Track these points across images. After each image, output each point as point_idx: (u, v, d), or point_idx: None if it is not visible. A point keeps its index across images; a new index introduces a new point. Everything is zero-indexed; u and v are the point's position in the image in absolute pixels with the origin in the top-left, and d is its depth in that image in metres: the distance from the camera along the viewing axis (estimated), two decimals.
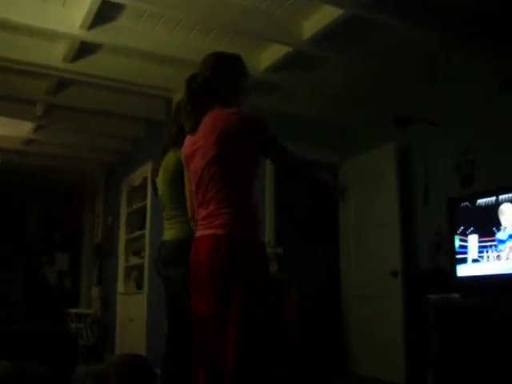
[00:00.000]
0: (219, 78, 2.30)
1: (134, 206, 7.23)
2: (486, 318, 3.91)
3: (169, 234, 2.89)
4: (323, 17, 4.22)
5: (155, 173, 3.05)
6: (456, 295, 4.22)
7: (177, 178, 2.80)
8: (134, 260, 7.11)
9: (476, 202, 4.29)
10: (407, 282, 5.18)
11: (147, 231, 6.50)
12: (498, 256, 4.04)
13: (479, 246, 4.19)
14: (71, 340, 2.62)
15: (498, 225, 4.07)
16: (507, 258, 3.97)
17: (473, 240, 4.25)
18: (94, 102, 5.96)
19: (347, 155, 6.25)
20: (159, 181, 3.02)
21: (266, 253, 2.25)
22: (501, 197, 4.08)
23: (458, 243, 4.36)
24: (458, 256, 4.34)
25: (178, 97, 5.20)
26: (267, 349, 2.04)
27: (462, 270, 4.30)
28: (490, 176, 4.60)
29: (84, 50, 4.82)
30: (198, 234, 2.22)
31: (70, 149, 7.83)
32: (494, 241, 4.08)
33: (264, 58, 4.95)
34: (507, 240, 3.99)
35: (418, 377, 4.59)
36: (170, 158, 2.92)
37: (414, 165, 5.46)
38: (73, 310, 8.08)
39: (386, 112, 5.70)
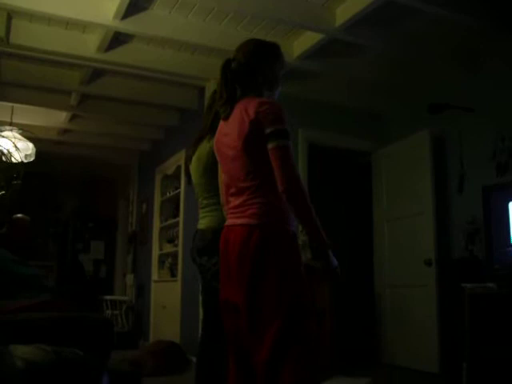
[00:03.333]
0: (254, 65, 2.26)
1: (168, 194, 7.29)
2: None
3: (203, 222, 2.90)
4: (356, 3, 4.17)
5: (189, 160, 3.07)
6: (491, 284, 4.16)
7: (210, 167, 2.80)
8: (168, 248, 7.18)
9: None
10: (441, 271, 5.13)
11: (181, 219, 6.56)
12: None
13: None
14: (108, 326, 2.67)
15: None
16: None
17: None
18: (128, 92, 6.02)
19: (380, 143, 6.20)
20: (193, 169, 3.03)
21: (297, 241, 2.24)
22: None
23: None
24: None
25: (210, 85, 5.22)
26: (302, 336, 2.04)
27: None
28: None
29: (117, 39, 4.87)
30: (228, 222, 2.22)
31: (104, 138, 7.94)
32: None
33: (296, 45, 4.93)
34: None
35: (452, 367, 4.56)
36: (203, 147, 2.93)
37: (449, 152, 5.38)
38: (108, 297, 8.21)
39: (419, 99, 5.63)
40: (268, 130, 2.06)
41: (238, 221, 2.13)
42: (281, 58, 2.36)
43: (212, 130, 2.88)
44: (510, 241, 4.25)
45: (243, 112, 2.13)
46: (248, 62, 2.25)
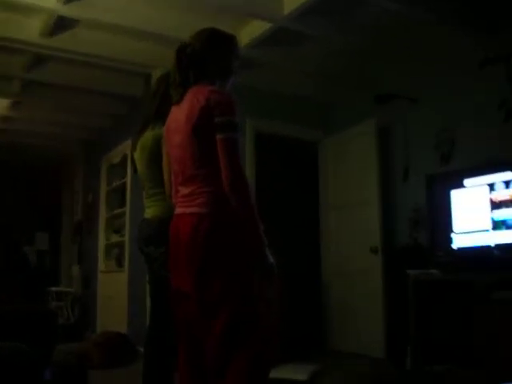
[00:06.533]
0: (208, 52, 2.26)
1: (114, 184, 7.19)
2: (463, 292, 3.97)
3: (149, 211, 2.88)
4: None
5: (134, 149, 3.03)
6: (434, 271, 4.28)
7: (154, 157, 2.78)
8: (115, 238, 7.08)
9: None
10: (387, 259, 5.23)
11: (127, 209, 6.48)
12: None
13: None
14: (51, 318, 2.61)
15: None
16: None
17: None
18: (73, 79, 5.87)
19: (327, 132, 6.26)
20: (137, 158, 3.00)
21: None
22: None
23: None
24: None
25: (157, 73, 5.14)
26: (252, 323, 2.05)
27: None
28: (468, 153, 4.64)
29: (61, 24, 4.71)
30: (178, 211, 2.21)
31: (48, 126, 7.73)
32: None
33: (244, 33, 4.90)
34: None
35: (397, 351, 4.67)
36: (147, 136, 2.90)
37: (394, 142, 5.48)
38: (53, 289, 8.05)
39: (366, 89, 5.71)
40: (218, 120, 2.07)
41: (188, 210, 2.13)
42: (236, 49, 2.38)
43: (156, 117, 2.85)
44: (452, 228, 4.37)
45: (194, 98, 2.13)
46: (202, 49, 2.25)
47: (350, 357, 5.40)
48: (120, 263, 6.75)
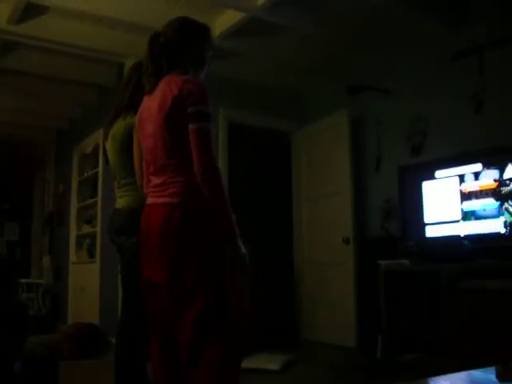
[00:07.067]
0: (181, 41, 2.24)
1: (86, 174, 7.11)
2: (433, 282, 4.02)
3: (121, 202, 2.86)
4: None
5: (105, 138, 3.00)
6: (405, 261, 4.33)
7: (125, 147, 2.76)
8: (86, 228, 7.02)
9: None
10: (359, 249, 5.28)
11: (99, 199, 6.42)
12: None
13: None
14: (21, 309, 2.58)
15: None
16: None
17: None
18: (43, 67, 5.77)
19: (301, 123, 6.27)
20: (108, 148, 2.97)
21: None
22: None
23: None
24: None
25: (129, 62, 5.08)
26: (225, 313, 2.05)
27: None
28: (440, 145, 4.69)
29: (30, 11, 4.63)
30: (149, 201, 2.20)
31: (19, 115, 7.59)
32: None
33: (218, 23, 4.88)
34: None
35: (368, 340, 4.72)
36: (118, 126, 2.87)
37: (367, 132, 5.52)
38: (23, 280, 7.94)
39: (340, 80, 5.73)
40: (191, 110, 2.05)
41: (159, 200, 2.12)
42: (209, 39, 2.36)
43: (128, 107, 2.82)
44: (423, 219, 4.42)
45: (166, 87, 2.11)
46: (175, 38, 2.23)
47: (322, 346, 5.45)
48: (91, 254, 6.69)
